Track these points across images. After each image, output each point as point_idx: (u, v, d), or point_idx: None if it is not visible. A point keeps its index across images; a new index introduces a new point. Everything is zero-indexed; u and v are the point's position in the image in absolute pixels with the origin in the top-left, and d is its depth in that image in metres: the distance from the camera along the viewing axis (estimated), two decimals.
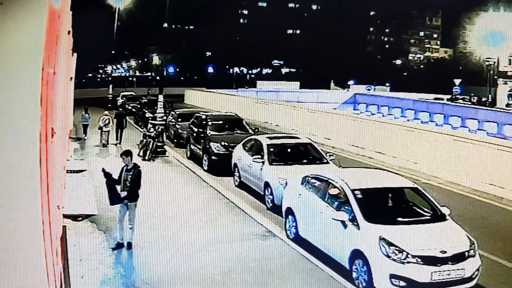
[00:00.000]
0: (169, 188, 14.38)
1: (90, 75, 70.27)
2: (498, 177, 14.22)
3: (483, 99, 51.53)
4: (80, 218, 11.00)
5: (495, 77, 52.66)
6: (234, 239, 10.25)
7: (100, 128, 20.97)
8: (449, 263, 8.02)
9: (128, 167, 9.65)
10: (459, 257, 8.11)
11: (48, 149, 4.86)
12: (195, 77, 67.43)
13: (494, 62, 52.78)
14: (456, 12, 66.27)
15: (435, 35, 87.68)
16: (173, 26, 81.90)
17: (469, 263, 8.15)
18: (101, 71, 78.57)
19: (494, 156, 14.58)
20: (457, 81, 53.48)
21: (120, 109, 25.61)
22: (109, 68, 78.90)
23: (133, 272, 8.78)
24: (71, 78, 14.80)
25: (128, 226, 9.57)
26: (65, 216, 9.87)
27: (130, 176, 9.54)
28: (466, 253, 8.20)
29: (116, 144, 21.27)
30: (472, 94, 52.65)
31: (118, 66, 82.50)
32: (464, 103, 46.71)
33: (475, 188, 14.71)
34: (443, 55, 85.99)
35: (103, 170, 9.54)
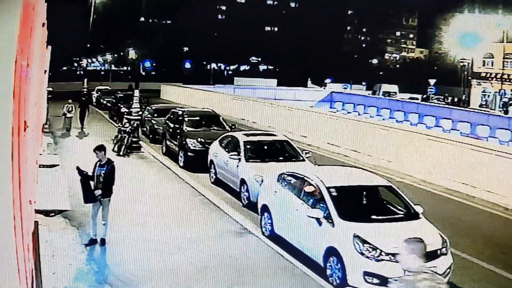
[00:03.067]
0: (144, 184, 14.24)
1: (65, 68, 69.28)
2: (470, 177, 14.47)
3: (456, 99, 52.41)
4: (53, 214, 10.81)
5: (469, 78, 53.56)
6: (209, 236, 10.20)
7: (64, 114, 23.39)
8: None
9: (102, 162, 9.49)
10: (431, 255, 8.18)
11: (21, 143, 4.76)
12: (170, 72, 66.82)
13: (469, 63, 53.67)
14: (432, 13, 67.23)
15: (411, 35, 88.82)
16: (150, 20, 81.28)
17: (441, 261, 8.25)
18: (76, 64, 77.51)
19: (467, 156, 14.84)
20: (432, 81, 54.23)
21: (83, 99, 26.46)
22: (84, 62, 77.85)
23: (106, 268, 8.66)
24: (45, 71, 14.55)
25: (101, 222, 9.45)
26: (37, 211, 9.69)
27: (103, 172, 9.39)
28: (439, 251, 8.31)
29: (81, 129, 24.08)
30: (446, 94, 53.47)
31: (94, 59, 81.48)
32: (439, 103, 47.42)
33: (448, 187, 14.94)
34: (418, 55, 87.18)
35: (78, 168, 9.38)
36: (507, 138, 30.33)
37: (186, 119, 18.03)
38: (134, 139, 19.05)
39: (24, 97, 5.14)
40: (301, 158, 13.59)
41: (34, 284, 6.69)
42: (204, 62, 79.94)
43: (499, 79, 49.89)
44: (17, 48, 4.23)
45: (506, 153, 14.13)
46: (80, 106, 24.88)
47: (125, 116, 20.68)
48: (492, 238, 11.16)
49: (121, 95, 29.40)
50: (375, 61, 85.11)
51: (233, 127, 18.54)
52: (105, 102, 32.80)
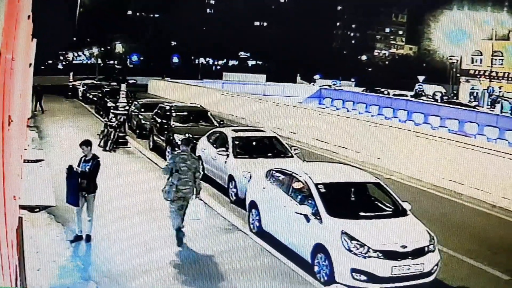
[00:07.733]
0: (130, 180, 14.12)
1: (50, 61, 68.67)
2: (458, 174, 14.53)
3: (445, 96, 52.72)
4: (37, 209, 10.68)
5: (458, 75, 53.92)
6: (196, 232, 10.12)
7: None
8: (409, 257, 8.12)
9: (87, 158, 9.34)
10: (419, 252, 8.23)
11: (5, 137, 4.67)
12: (158, 66, 66.40)
13: (457, 60, 54.03)
14: (421, 9, 67.60)
15: (400, 32, 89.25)
16: (138, 14, 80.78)
17: (429, 258, 8.27)
18: (62, 58, 76.84)
19: (455, 153, 14.90)
20: (421, 78, 54.52)
21: (38, 88, 26.99)
22: (70, 55, 77.22)
23: (91, 265, 8.57)
24: (30, 64, 14.36)
25: (86, 219, 9.31)
26: (22, 207, 9.56)
27: (88, 167, 9.24)
28: (426, 248, 8.32)
29: (42, 112, 27.52)
30: (434, 91, 53.77)
31: (80, 53, 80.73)
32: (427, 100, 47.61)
33: (436, 184, 14.99)
34: (407, 51, 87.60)
35: (70, 166, 9.17)
36: (494, 135, 30.54)
37: (173, 114, 17.89)
38: (120, 134, 18.87)
39: (9, 91, 5.04)
40: (290, 155, 13.55)
41: (18, 281, 6.60)
42: (192, 57, 79.63)
43: (487, 77, 50.31)
44: (2, 41, 4.15)
45: (494, 150, 14.21)
46: (35, 92, 26.28)
47: (112, 110, 20.49)
48: (479, 235, 11.23)
49: (108, 89, 29.17)
50: (364, 57, 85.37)
51: (221, 122, 18.44)
52: (91, 96, 32.54)
